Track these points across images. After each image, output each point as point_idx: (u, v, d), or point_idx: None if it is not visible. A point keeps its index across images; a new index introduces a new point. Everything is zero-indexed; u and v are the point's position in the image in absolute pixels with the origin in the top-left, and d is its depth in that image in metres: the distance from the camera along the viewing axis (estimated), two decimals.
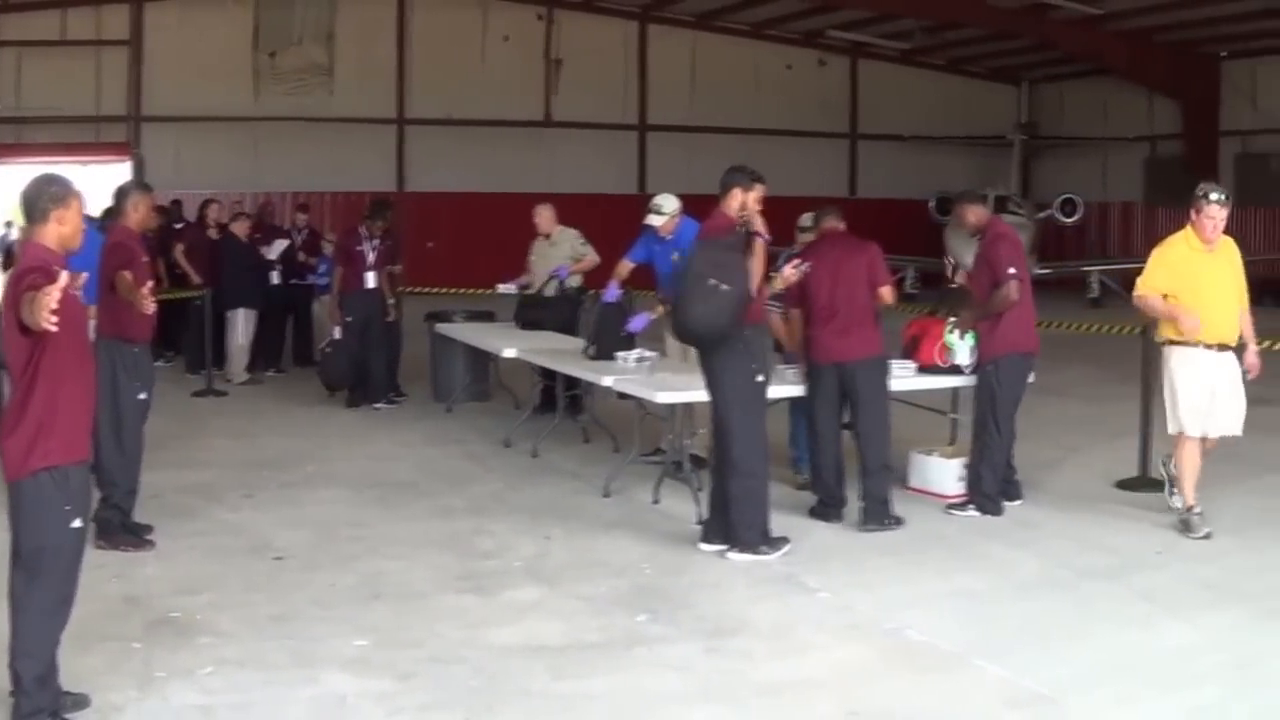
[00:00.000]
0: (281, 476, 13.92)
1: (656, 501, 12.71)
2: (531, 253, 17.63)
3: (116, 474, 10.92)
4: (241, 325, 20.65)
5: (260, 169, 36.63)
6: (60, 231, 7.20)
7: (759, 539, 10.86)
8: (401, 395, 18.96)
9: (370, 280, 18.38)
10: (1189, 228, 11.53)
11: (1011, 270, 12.28)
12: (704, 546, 11.12)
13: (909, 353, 13.08)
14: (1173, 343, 11.57)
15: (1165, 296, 11.50)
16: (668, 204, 14.13)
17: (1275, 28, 34.87)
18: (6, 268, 20.46)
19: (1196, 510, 11.56)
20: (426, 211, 37.03)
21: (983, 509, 12.35)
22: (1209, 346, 11.41)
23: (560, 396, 15.51)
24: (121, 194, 11.49)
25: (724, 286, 10.56)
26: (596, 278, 16.41)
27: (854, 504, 12.06)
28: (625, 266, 14.44)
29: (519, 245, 17.85)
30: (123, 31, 36.78)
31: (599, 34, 41.80)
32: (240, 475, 13.87)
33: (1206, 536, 11.42)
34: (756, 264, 10.89)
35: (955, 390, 13.57)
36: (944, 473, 13.08)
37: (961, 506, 12.45)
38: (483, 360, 18.32)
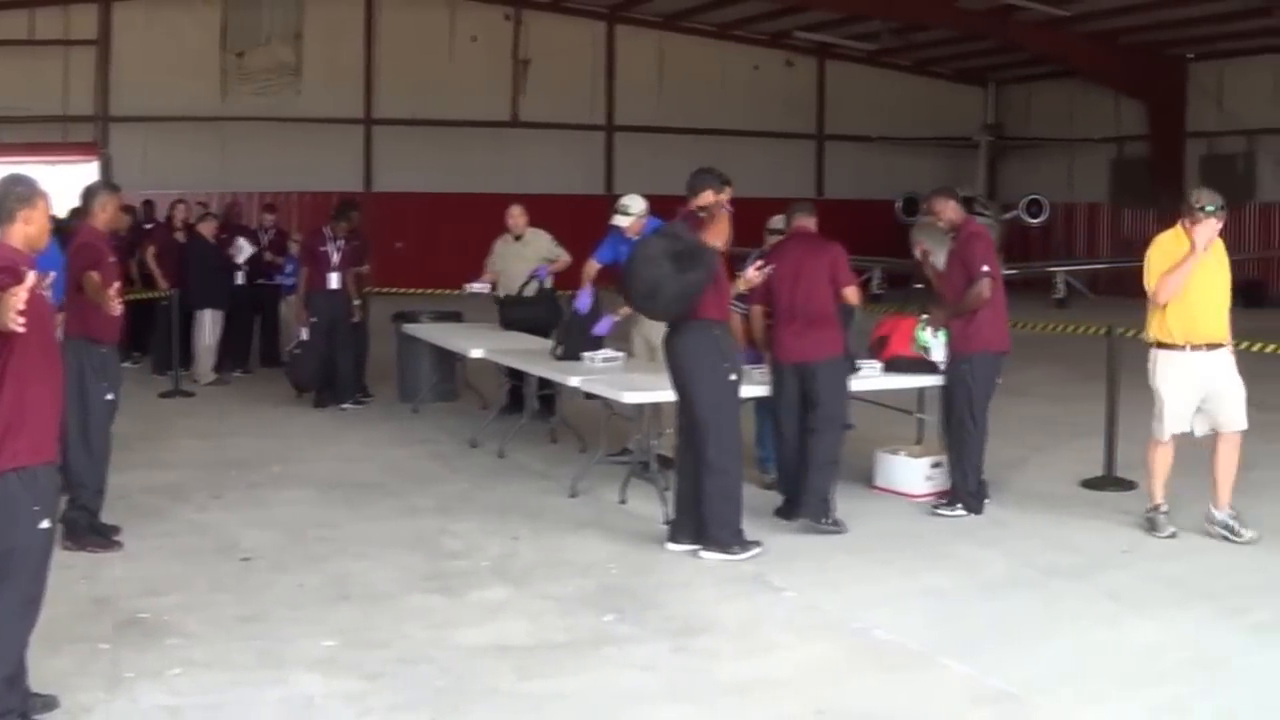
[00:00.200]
0: (249, 477, 13.91)
1: (623, 501, 12.73)
2: (494, 252, 17.62)
3: (84, 475, 10.89)
4: (208, 326, 20.62)
5: (227, 169, 36.49)
6: (26, 231, 7.19)
7: (732, 538, 10.87)
8: (368, 396, 18.96)
9: (334, 281, 18.37)
10: (1179, 228, 11.38)
11: (985, 268, 12.32)
12: (671, 546, 11.13)
13: (877, 351, 13.09)
14: (1161, 345, 11.45)
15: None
16: (634, 204, 14.15)
17: (1241, 30, 35.09)
18: None
19: (1163, 509, 11.60)
20: (393, 212, 36.97)
21: (969, 507, 12.40)
22: (1197, 347, 11.31)
23: (531, 397, 15.52)
24: (89, 194, 11.46)
25: (688, 262, 10.66)
26: (566, 278, 16.45)
27: None
28: (593, 268, 14.44)
29: (485, 245, 17.83)
30: (91, 31, 36.60)
31: (566, 34, 41.79)
32: (208, 476, 13.86)
33: (1172, 535, 11.47)
34: (716, 234, 10.96)
35: (921, 390, 13.60)
36: (910, 472, 13.12)
37: (949, 505, 12.47)
38: (449, 360, 18.33)
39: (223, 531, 11.67)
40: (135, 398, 16.35)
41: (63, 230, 10.93)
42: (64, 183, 18.06)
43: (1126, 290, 36.63)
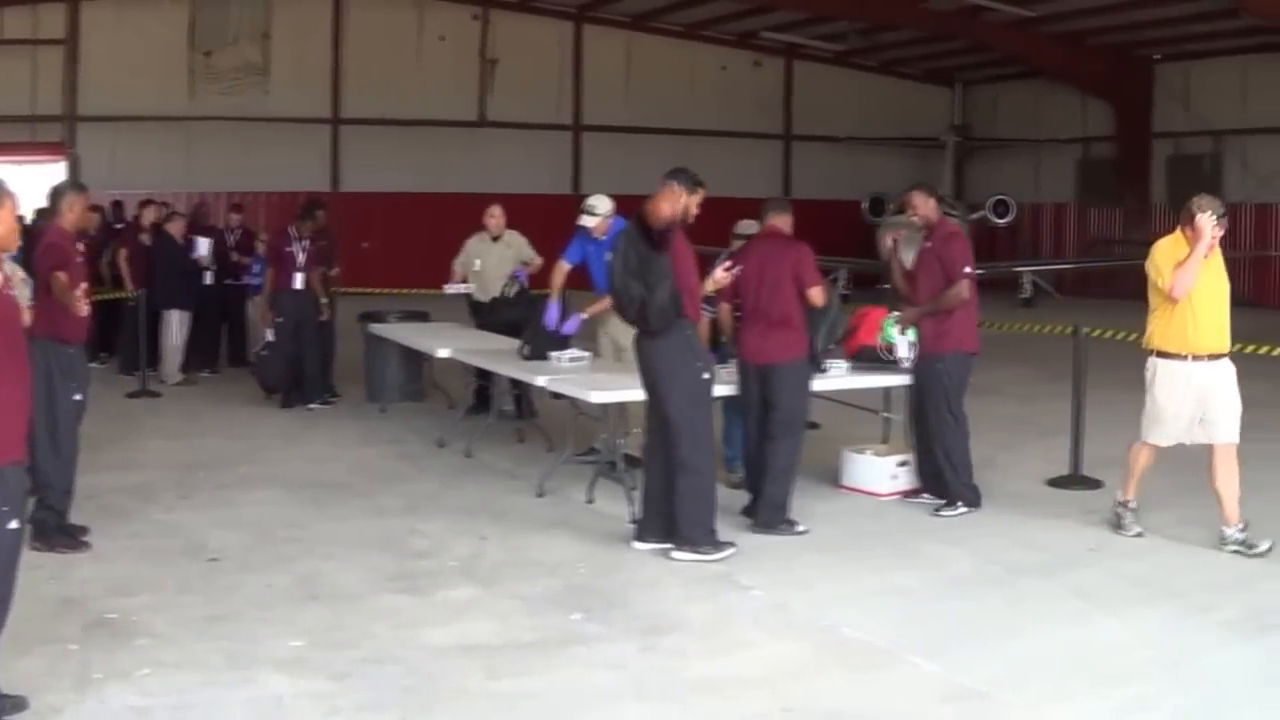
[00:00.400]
0: (217, 477, 13.89)
1: (591, 501, 12.75)
2: (466, 251, 17.53)
3: (52, 475, 10.86)
4: (176, 326, 20.58)
5: (195, 169, 36.41)
6: None
7: (704, 538, 10.87)
8: (336, 396, 18.95)
9: (299, 281, 18.36)
10: (1179, 234, 11.15)
11: (967, 270, 12.37)
12: (638, 545, 11.15)
13: (847, 342, 13.04)
14: (1161, 354, 11.22)
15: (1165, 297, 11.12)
16: (601, 205, 14.16)
17: (1207, 31, 35.24)
18: None
19: (1132, 505, 11.63)
20: (361, 211, 36.93)
21: (969, 502, 12.48)
22: (1198, 358, 11.06)
23: (502, 398, 15.55)
24: (56, 194, 11.42)
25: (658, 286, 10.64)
26: (538, 279, 16.49)
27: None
28: (562, 271, 14.41)
29: (453, 245, 17.78)
30: (59, 31, 36.44)
31: (534, 34, 41.76)
32: (176, 476, 13.84)
33: (1139, 535, 11.51)
34: (683, 261, 10.94)
35: (887, 389, 13.64)
36: (876, 471, 13.15)
37: (950, 506, 12.50)
38: (417, 360, 18.34)
39: (191, 532, 11.65)
40: (102, 398, 16.31)
41: (29, 231, 10.93)
42: (31, 182, 18.02)
43: (1092, 290, 37.05)
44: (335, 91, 39.72)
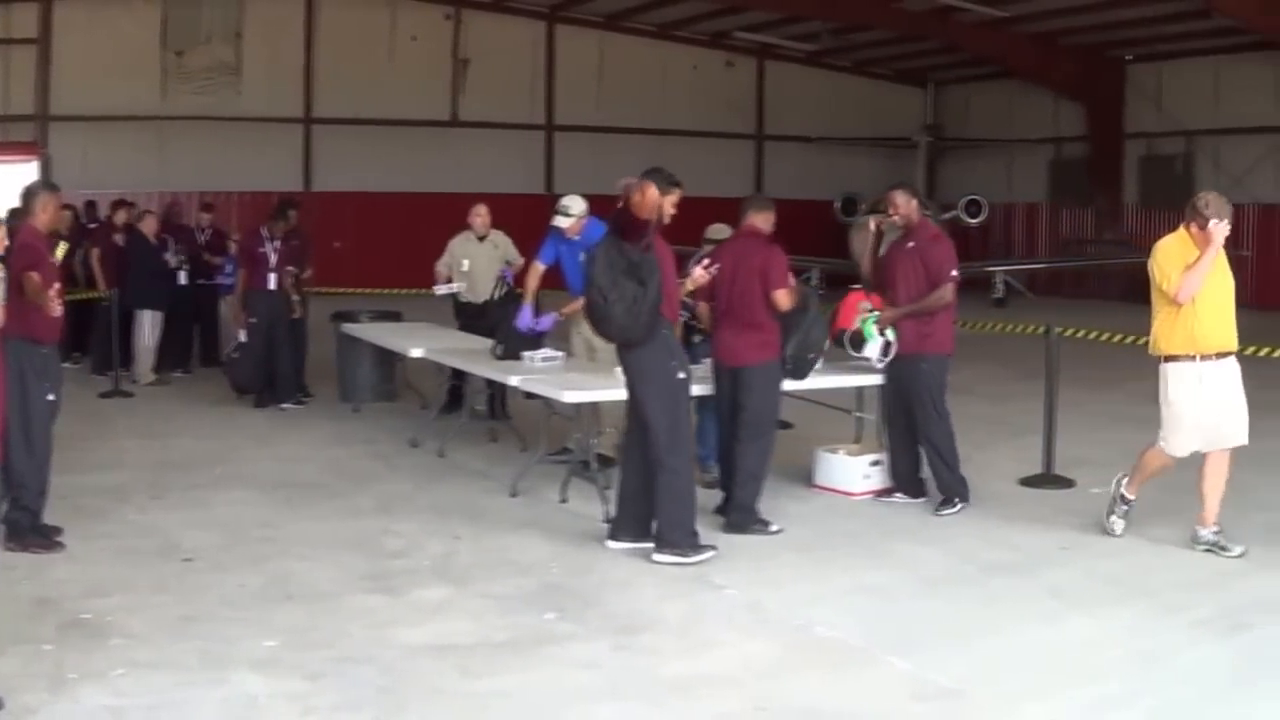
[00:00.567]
0: (190, 477, 13.86)
1: (564, 501, 12.77)
2: (451, 252, 17.45)
3: (26, 475, 10.82)
4: (148, 326, 20.53)
5: (167, 168, 36.31)
6: None
7: (684, 539, 10.82)
8: (308, 396, 18.91)
9: (272, 281, 18.32)
10: (1183, 232, 10.96)
11: (955, 273, 12.42)
12: (611, 544, 11.15)
13: (829, 329, 12.96)
14: (1170, 359, 11.00)
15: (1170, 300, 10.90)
16: (575, 205, 14.16)
17: (1179, 32, 35.37)
18: None
19: (1130, 498, 11.51)
20: (333, 211, 36.71)
21: (963, 497, 12.54)
22: (1206, 357, 10.87)
23: (472, 396, 15.56)
24: (29, 194, 11.43)
25: (641, 293, 10.61)
26: (519, 280, 16.47)
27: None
28: (536, 272, 14.45)
29: (425, 245, 17.76)
30: (31, 30, 36.29)
31: (507, 34, 41.72)
32: (149, 476, 13.84)
33: (1118, 536, 11.50)
34: (663, 262, 10.91)
35: (860, 389, 13.66)
36: (849, 470, 13.17)
37: (948, 505, 12.52)
38: (389, 360, 18.32)
39: (165, 532, 11.63)
40: (75, 398, 16.20)
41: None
42: (3, 182, 17.96)
43: (1064, 290, 37.14)
44: (307, 91, 39.62)
